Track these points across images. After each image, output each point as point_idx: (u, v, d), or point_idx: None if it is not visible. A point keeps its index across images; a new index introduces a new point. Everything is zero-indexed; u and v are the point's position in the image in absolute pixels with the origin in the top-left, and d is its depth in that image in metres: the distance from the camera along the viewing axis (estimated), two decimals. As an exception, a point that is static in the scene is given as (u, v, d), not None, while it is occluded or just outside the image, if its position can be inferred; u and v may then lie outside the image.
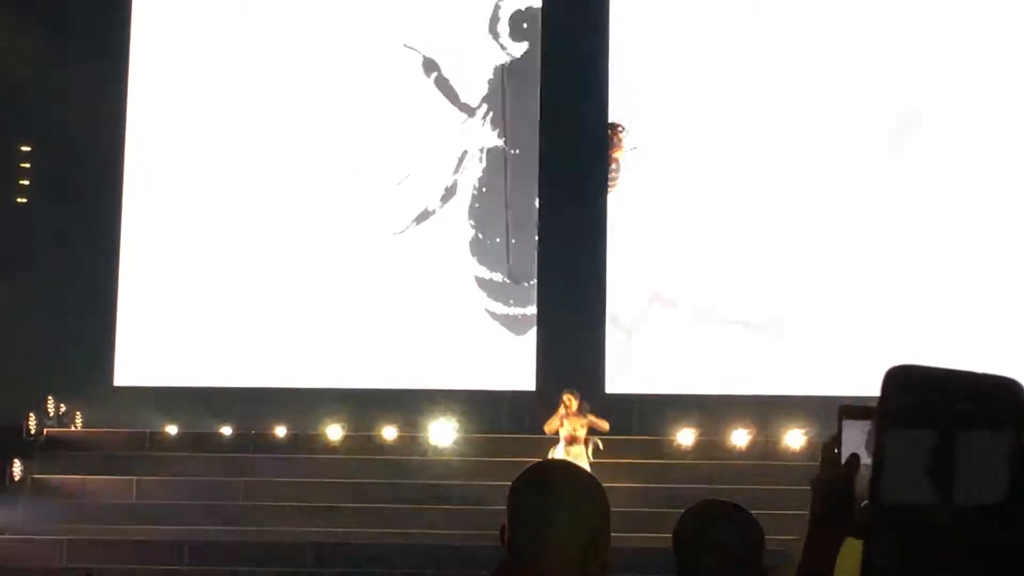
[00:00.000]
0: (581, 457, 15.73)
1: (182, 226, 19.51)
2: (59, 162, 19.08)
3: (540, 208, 19.36)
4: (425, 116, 19.62)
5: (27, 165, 19.59)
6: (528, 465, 3.35)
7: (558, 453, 16.03)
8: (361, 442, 18.21)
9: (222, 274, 19.39)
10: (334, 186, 19.32)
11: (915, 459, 1.43)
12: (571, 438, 16.28)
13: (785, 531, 13.33)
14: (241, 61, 19.76)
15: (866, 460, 1.63)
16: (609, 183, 18.95)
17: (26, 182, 19.55)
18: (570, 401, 16.50)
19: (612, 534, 3.23)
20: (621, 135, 18.97)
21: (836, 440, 1.76)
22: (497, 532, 3.24)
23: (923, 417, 1.44)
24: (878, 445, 1.44)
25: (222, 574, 15.88)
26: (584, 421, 16.44)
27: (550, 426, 16.46)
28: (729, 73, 19.41)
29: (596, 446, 16.45)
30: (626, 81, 19.55)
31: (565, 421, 16.39)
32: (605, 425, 16.53)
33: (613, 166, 19.00)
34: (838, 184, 19.23)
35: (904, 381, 1.47)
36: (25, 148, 19.55)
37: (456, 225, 19.47)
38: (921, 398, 1.45)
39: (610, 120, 19.05)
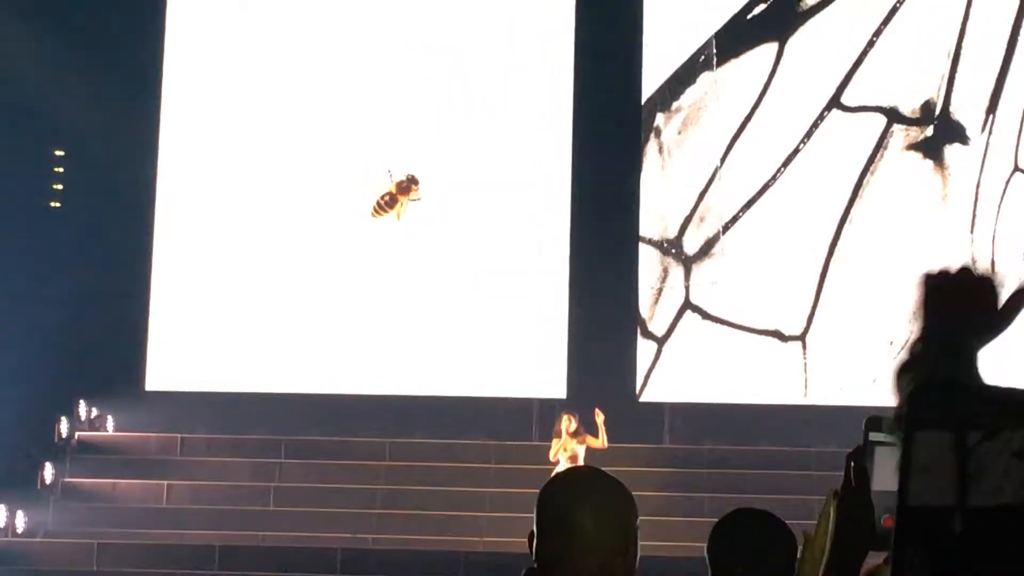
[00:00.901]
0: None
1: (215, 231, 19.57)
2: (92, 167, 19.16)
3: (572, 217, 19.39)
4: (457, 117, 19.65)
5: (60, 170, 19.69)
6: (556, 472, 3.36)
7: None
8: (392, 449, 18.24)
9: (255, 279, 19.44)
10: (366, 192, 19.33)
11: (938, 461, 1.46)
12: (572, 459, 16.19)
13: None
14: (274, 70, 19.82)
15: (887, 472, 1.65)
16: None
17: (59, 187, 19.64)
18: (568, 423, 16.37)
19: (643, 542, 3.26)
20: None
21: (861, 451, 1.79)
22: (526, 539, 3.27)
23: (945, 419, 1.47)
24: (904, 449, 1.47)
25: (251, 579, 15.95)
26: (582, 443, 16.29)
27: (554, 455, 16.29)
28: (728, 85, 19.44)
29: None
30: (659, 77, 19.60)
31: (568, 444, 16.23)
32: (599, 443, 16.31)
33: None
34: (872, 197, 19.24)
35: (928, 398, 1.49)
36: (59, 153, 19.66)
37: (489, 231, 19.49)
38: (944, 400, 1.48)
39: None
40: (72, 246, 18.96)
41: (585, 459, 16.20)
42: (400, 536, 16.72)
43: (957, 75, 19.43)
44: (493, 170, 19.47)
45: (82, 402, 18.85)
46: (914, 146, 19.49)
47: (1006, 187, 19.24)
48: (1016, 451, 1.45)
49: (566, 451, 16.20)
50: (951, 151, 19.39)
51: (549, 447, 16.45)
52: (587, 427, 16.43)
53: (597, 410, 16.43)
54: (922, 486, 1.46)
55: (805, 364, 19.10)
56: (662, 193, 19.63)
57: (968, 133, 19.40)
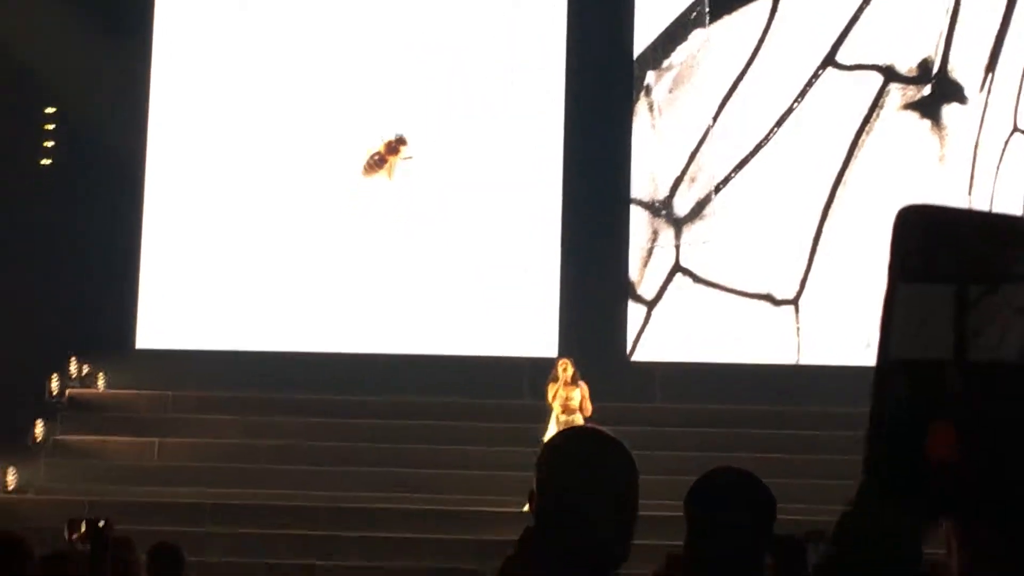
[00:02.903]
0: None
1: (206, 189, 19.53)
2: (83, 125, 19.09)
3: (563, 177, 19.35)
4: (448, 76, 19.58)
5: (51, 127, 19.61)
6: (559, 433, 3.36)
7: (552, 421, 16.02)
8: (382, 407, 18.24)
9: (245, 237, 19.41)
10: (355, 149, 19.27)
11: (929, 313, 1.41)
12: (564, 406, 16.26)
13: (799, 499, 13.38)
14: (266, 29, 19.74)
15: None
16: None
17: (50, 144, 19.58)
18: (564, 367, 16.46)
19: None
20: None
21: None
22: (523, 498, 3.26)
23: (936, 268, 1.42)
24: (887, 295, 1.42)
25: (243, 536, 15.96)
26: (579, 389, 16.34)
27: (551, 396, 16.42)
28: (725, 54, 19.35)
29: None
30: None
31: (561, 390, 16.33)
32: (587, 411, 16.34)
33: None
34: (868, 157, 19.17)
35: (913, 224, 1.44)
36: (49, 111, 19.57)
37: (479, 192, 19.44)
38: (931, 244, 1.42)
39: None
40: (63, 204, 18.91)
41: (580, 405, 16.26)
42: (389, 494, 16.74)
43: (955, 32, 19.32)
44: (484, 130, 19.42)
45: (73, 359, 18.83)
46: (911, 105, 19.39)
47: (1005, 147, 19.14)
48: (1020, 306, 1.40)
49: (562, 397, 16.24)
50: (949, 110, 19.29)
51: (543, 403, 16.48)
52: (584, 376, 16.49)
53: (582, 383, 16.44)
54: (910, 339, 1.41)
55: (798, 328, 19.06)
56: (652, 153, 19.55)
57: (966, 92, 19.29)
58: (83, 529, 7.00)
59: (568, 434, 3.49)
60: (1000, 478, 1.40)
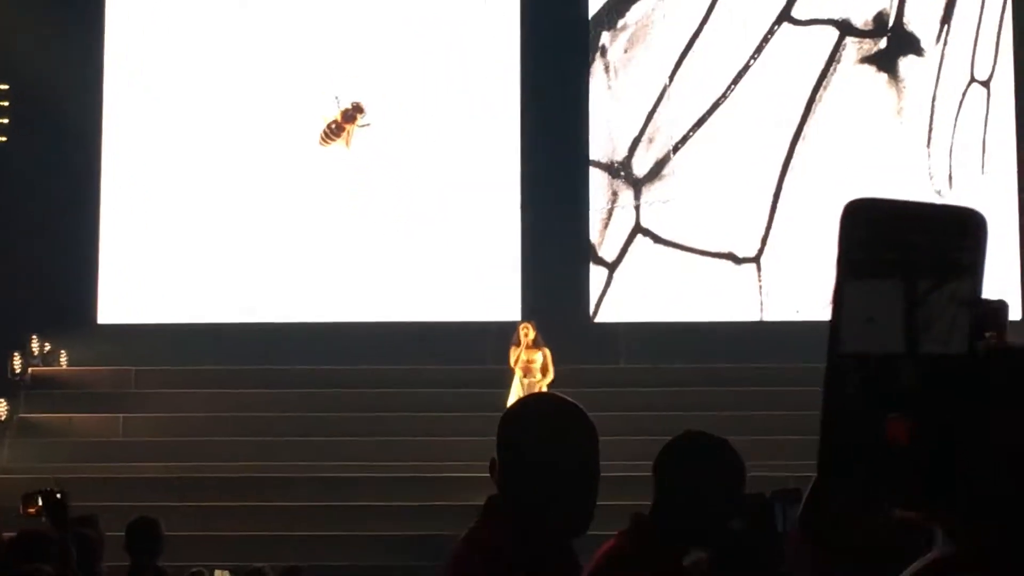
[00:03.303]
0: (537, 389, 15.64)
1: (164, 162, 19.42)
2: (38, 100, 18.94)
3: (521, 139, 19.33)
4: (404, 40, 19.50)
5: (5, 104, 19.46)
6: (519, 401, 3.37)
7: (514, 386, 16.05)
8: (345, 375, 18.22)
9: (205, 209, 19.33)
10: (312, 119, 19.18)
11: (878, 308, 1.43)
12: (526, 369, 16.29)
13: (770, 457, 13.44)
14: (218, -5, 19.64)
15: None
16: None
17: (4, 121, 19.43)
18: (526, 331, 16.48)
19: (600, 462, 3.25)
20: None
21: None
22: (485, 464, 3.26)
23: (880, 261, 1.44)
24: (836, 293, 1.44)
25: (212, 510, 15.94)
26: (541, 353, 16.37)
27: (513, 361, 16.45)
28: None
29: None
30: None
31: (523, 353, 16.36)
32: (549, 375, 16.39)
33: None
34: (825, 112, 19.20)
35: (860, 216, 1.46)
36: (3, 87, 19.42)
37: (437, 157, 19.39)
38: (877, 239, 1.45)
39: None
40: (19, 180, 18.79)
41: (542, 369, 16.29)
42: (357, 463, 16.74)
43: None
44: (441, 94, 19.35)
45: (34, 337, 18.75)
46: (867, 59, 19.41)
47: (962, 99, 19.20)
48: (964, 299, 1.43)
49: (524, 361, 16.26)
50: (905, 63, 19.32)
51: (506, 367, 16.50)
52: (547, 339, 16.51)
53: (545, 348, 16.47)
54: (860, 334, 1.43)
55: (760, 286, 19.10)
56: (610, 114, 19.52)
57: (923, 44, 19.32)
58: (39, 502, 6.95)
59: (527, 402, 3.50)
60: (953, 468, 1.43)
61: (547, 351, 16.46)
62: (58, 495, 7.01)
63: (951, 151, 19.10)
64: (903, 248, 1.45)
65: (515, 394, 15.79)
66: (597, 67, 19.62)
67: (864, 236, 1.45)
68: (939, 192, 19.00)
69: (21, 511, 7.07)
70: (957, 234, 1.45)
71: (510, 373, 16.52)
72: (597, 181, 19.52)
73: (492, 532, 3.15)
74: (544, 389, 15.60)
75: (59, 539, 6.84)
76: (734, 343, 18.21)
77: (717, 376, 17.79)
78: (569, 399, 3.34)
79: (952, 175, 19.08)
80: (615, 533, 3.81)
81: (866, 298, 1.43)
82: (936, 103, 19.18)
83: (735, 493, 3.86)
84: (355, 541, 15.54)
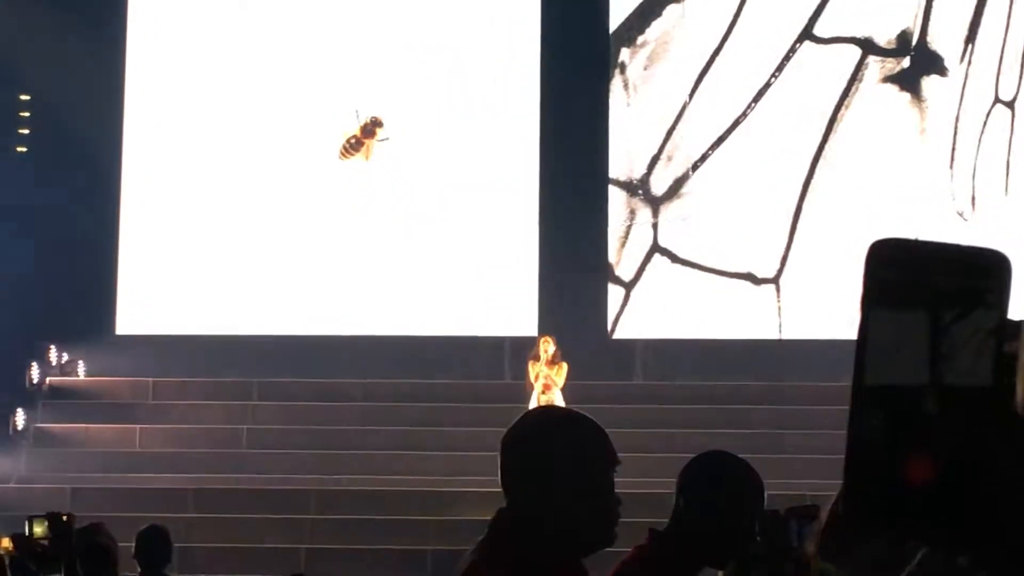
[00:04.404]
0: (556, 404, 15.62)
1: (184, 174, 19.45)
2: (58, 111, 18.99)
3: (541, 155, 19.31)
4: (425, 54, 19.51)
5: (26, 114, 19.52)
6: (529, 413, 3.35)
7: (532, 401, 16.02)
8: (364, 389, 18.21)
9: (225, 221, 19.34)
10: (332, 133, 19.19)
11: (903, 339, 1.42)
12: (546, 385, 16.23)
13: (786, 475, 13.39)
14: (242, 10, 19.65)
15: None
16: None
17: (26, 131, 19.48)
18: (546, 345, 16.44)
19: (617, 479, 3.22)
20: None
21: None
22: (499, 479, 3.24)
23: (905, 296, 1.43)
24: (861, 324, 1.43)
25: (226, 521, 15.93)
26: (559, 369, 16.32)
27: (533, 376, 16.40)
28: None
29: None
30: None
31: (542, 368, 16.31)
32: (560, 381, 16.37)
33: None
34: (847, 132, 19.13)
35: (885, 255, 1.45)
36: (24, 97, 19.47)
37: (457, 172, 19.38)
38: (902, 273, 1.44)
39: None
40: (40, 190, 18.81)
41: (563, 387, 16.25)
42: (374, 476, 16.73)
43: (934, 3, 19.27)
44: (460, 110, 19.35)
45: (52, 347, 18.77)
46: (890, 78, 19.34)
47: (986, 119, 19.11)
48: (990, 330, 1.41)
49: (541, 378, 16.21)
50: (929, 83, 19.25)
51: (524, 382, 16.47)
52: (564, 355, 16.48)
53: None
54: (883, 366, 1.41)
55: (779, 308, 19.03)
56: (628, 132, 19.48)
57: (946, 64, 19.24)
58: (46, 524, 6.92)
59: (524, 417, 3.47)
60: (978, 503, 1.41)
61: (565, 366, 16.41)
62: (64, 517, 7.00)
63: (974, 172, 19.02)
64: (928, 285, 1.44)
65: (534, 408, 15.74)
66: (616, 84, 19.61)
67: (889, 276, 1.44)
68: (961, 214, 18.94)
69: (26, 532, 7.05)
70: (981, 276, 1.44)
71: (528, 388, 16.48)
72: (615, 199, 19.48)
73: (503, 548, 3.11)
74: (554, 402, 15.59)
75: (65, 552, 6.83)
76: (752, 361, 18.15)
77: (734, 393, 17.74)
78: (570, 411, 3.32)
79: (975, 197, 19.01)
80: (632, 549, 3.80)
81: (890, 329, 1.42)
82: (959, 123, 19.10)
83: (754, 513, 3.85)
84: (369, 555, 15.51)
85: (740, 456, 4.04)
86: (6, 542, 7.65)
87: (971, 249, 1.44)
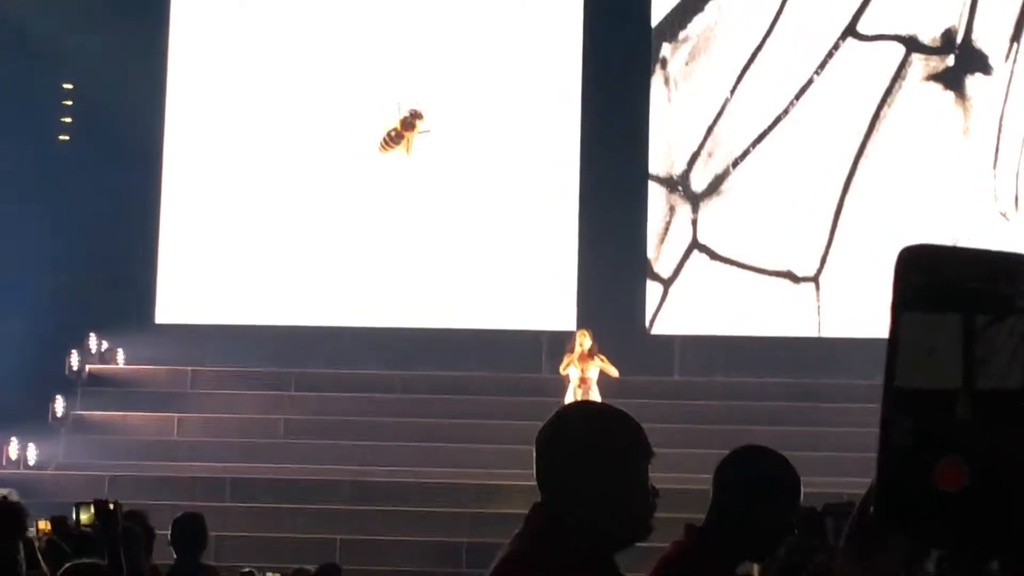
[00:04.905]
0: (592, 399, 15.61)
1: (225, 164, 19.51)
2: (101, 100, 19.07)
3: (581, 150, 19.29)
4: (467, 49, 19.51)
5: (69, 103, 19.61)
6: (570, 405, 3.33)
7: (568, 396, 15.99)
8: (401, 381, 18.24)
9: (265, 211, 19.39)
10: (374, 125, 19.21)
11: (931, 343, 1.41)
12: (581, 379, 16.22)
13: (818, 472, 13.31)
14: (288, 3, 19.70)
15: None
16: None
17: (68, 120, 19.57)
18: (582, 338, 16.42)
19: (653, 474, 3.20)
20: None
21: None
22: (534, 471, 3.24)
23: (936, 300, 1.42)
24: (892, 328, 1.42)
25: (263, 511, 15.98)
26: (595, 363, 16.31)
27: (564, 367, 16.40)
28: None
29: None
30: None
31: (576, 362, 16.31)
32: (614, 371, 16.36)
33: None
34: (889, 130, 19.02)
35: (916, 262, 1.44)
36: (67, 86, 19.56)
37: (498, 166, 19.37)
38: (933, 280, 1.42)
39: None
40: (82, 179, 18.91)
41: (598, 381, 16.23)
42: (409, 468, 16.76)
43: (979, 0, 19.12)
44: (503, 104, 19.35)
45: (92, 335, 18.87)
46: (934, 76, 19.21)
47: (1032, 119, 18.96)
48: (1013, 332, 1.40)
49: (578, 369, 16.19)
50: (973, 81, 19.12)
51: (559, 376, 16.46)
52: (601, 349, 16.45)
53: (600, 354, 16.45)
54: (915, 369, 1.41)
55: (819, 307, 18.93)
56: (669, 128, 19.43)
57: (991, 62, 19.10)
58: (92, 511, 6.98)
59: (568, 411, 3.46)
60: (1009, 508, 1.40)
61: (602, 360, 16.36)
62: (111, 505, 7.05)
63: (1018, 173, 18.88)
64: (959, 290, 1.43)
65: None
66: (657, 79, 19.55)
67: (919, 282, 1.43)
68: (1004, 214, 18.82)
69: (74, 520, 7.11)
70: (1011, 280, 1.43)
71: (564, 381, 16.46)
72: (655, 195, 19.43)
73: (540, 543, 3.11)
74: (591, 397, 15.58)
75: (108, 538, 6.87)
76: (790, 357, 18.10)
77: (772, 390, 17.69)
78: (599, 406, 3.31)
79: (1018, 197, 18.88)
80: (669, 544, 3.79)
81: (923, 333, 1.41)
82: (1003, 123, 18.96)
83: (791, 509, 3.84)
84: (403, 547, 15.54)
85: (777, 452, 4.02)
86: (44, 524, 7.71)
87: (1004, 255, 1.43)
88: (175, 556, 8.12)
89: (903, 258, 1.43)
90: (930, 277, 1.41)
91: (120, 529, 6.98)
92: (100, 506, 6.99)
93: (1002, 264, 1.42)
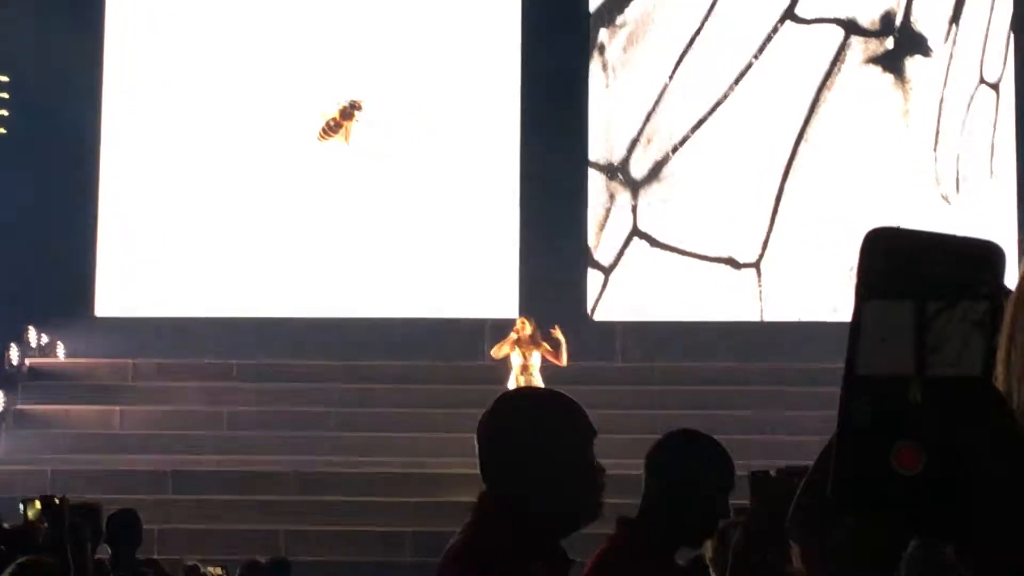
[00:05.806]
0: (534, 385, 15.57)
1: (163, 155, 19.39)
2: (38, 93, 18.90)
3: (521, 138, 19.29)
4: (404, 37, 19.46)
5: (5, 96, 19.43)
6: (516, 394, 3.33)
7: (511, 383, 15.98)
8: (344, 371, 18.19)
9: (204, 202, 19.30)
10: (311, 114, 19.13)
11: (890, 330, 1.41)
12: (523, 366, 16.21)
13: (763, 456, 13.39)
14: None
15: None
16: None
17: (4, 112, 19.39)
18: (523, 326, 16.40)
19: (599, 460, 3.20)
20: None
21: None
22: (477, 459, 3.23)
23: (897, 286, 1.42)
24: (854, 315, 1.42)
25: (206, 503, 15.91)
26: (537, 349, 16.29)
27: (498, 351, 16.38)
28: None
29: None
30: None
31: (517, 348, 16.30)
32: (562, 361, 16.33)
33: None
34: (830, 114, 19.11)
35: (879, 246, 1.44)
36: (3, 79, 19.38)
37: (436, 154, 19.34)
38: (895, 266, 1.43)
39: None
40: (18, 172, 18.74)
41: (541, 368, 16.22)
42: (354, 458, 16.72)
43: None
44: (442, 92, 19.32)
45: (32, 329, 18.72)
46: (873, 59, 19.31)
47: (971, 101, 19.09)
48: (977, 321, 1.40)
49: (520, 356, 16.16)
50: (912, 64, 19.23)
51: (502, 363, 16.44)
52: (544, 339, 16.44)
53: (558, 328, 16.42)
54: (873, 356, 1.41)
55: (760, 292, 19.00)
56: (608, 114, 19.42)
57: (930, 44, 19.21)
58: (38, 506, 6.91)
59: (508, 397, 3.46)
60: (961, 496, 1.41)
61: (547, 350, 16.35)
62: (57, 500, 6.98)
63: (959, 156, 19.00)
64: (918, 274, 1.43)
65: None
66: (595, 65, 19.55)
67: (882, 266, 1.43)
68: (945, 197, 18.95)
69: (23, 515, 7.03)
70: (974, 267, 1.43)
71: (506, 369, 16.46)
72: (595, 182, 19.44)
73: (488, 531, 3.10)
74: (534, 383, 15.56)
75: (56, 539, 6.80)
76: (732, 342, 18.16)
77: (714, 375, 17.75)
78: (558, 391, 3.31)
79: (960, 179, 19.01)
80: (607, 536, 3.77)
81: (881, 320, 1.41)
82: (944, 105, 19.07)
83: (723, 493, 3.82)
84: (347, 536, 15.51)
85: (709, 436, 4.01)
86: None
87: (966, 240, 1.42)
88: (110, 552, 8.06)
89: (867, 241, 1.43)
90: (892, 261, 1.42)
91: (67, 524, 6.91)
92: (46, 501, 6.92)
93: (965, 249, 1.42)
